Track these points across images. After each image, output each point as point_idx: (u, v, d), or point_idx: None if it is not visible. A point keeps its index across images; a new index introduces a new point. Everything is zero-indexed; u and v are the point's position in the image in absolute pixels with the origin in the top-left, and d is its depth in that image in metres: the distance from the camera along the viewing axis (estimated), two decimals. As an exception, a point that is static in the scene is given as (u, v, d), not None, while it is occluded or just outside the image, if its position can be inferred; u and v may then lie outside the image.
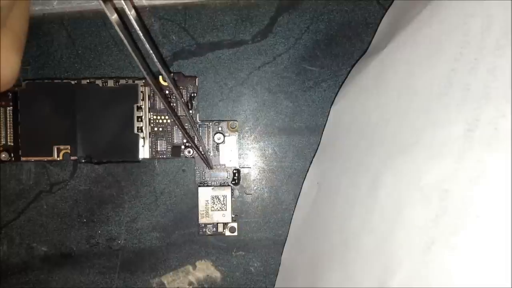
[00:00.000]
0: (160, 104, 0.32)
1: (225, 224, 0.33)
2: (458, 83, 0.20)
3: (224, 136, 0.33)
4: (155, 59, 0.18)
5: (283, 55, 0.33)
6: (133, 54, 0.17)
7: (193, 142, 0.30)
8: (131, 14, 0.16)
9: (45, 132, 0.32)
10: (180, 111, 0.32)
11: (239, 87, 0.34)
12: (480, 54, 0.20)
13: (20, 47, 0.23)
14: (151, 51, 0.18)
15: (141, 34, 0.17)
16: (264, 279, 0.34)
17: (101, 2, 0.15)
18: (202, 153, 0.31)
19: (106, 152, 0.32)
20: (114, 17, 0.16)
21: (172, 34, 0.33)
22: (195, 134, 0.30)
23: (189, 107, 0.33)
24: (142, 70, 0.19)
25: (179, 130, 0.32)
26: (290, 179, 0.34)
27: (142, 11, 0.33)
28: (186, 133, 0.28)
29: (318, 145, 0.32)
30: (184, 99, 0.32)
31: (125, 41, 0.17)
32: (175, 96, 0.32)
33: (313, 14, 0.33)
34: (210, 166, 0.33)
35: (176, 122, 0.26)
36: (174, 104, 0.32)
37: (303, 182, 0.33)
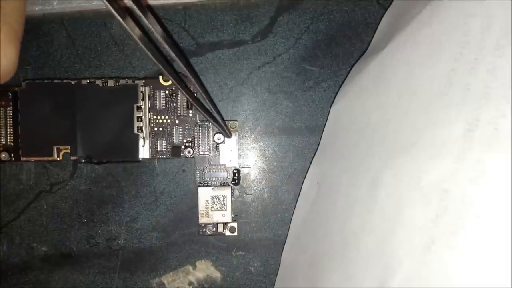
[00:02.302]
0: (160, 104, 0.32)
1: (225, 224, 0.33)
2: (458, 83, 0.20)
3: (224, 136, 0.33)
4: (181, 65, 0.18)
5: (283, 55, 0.33)
6: (160, 66, 0.17)
7: (212, 116, 0.29)
8: (156, 30, 0.16)
9: (45, 132, 0.32)
10: (181, 111, 0.32)
11: (239, 87, 0.34)
12: (480, 54, 0.20)
13: (17, 40, 0.23)
14: (182, 66, 0.18)
15: (171, 52, 0.17)
16: (264, 279, 0.34)
17: (120, 19, 0.15)
18: (220, 123, 0.30)
19: (106, 152, 0.32)
20: (136, 31, 0.16)
21: (172, 34, 0.33)
22: (215, 117, 0.29)
23: (189, 107, 0.33)
24: (172, 78, 0.19)
25: (179, 130, 0.32)
26: (290, 179, 0.34)
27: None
28: (205, 108, 0.27)
29: (318, 145, 0.32)
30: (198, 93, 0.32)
31: (152, 57, 0.16)
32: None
33: (313, 14, 0.33)
34: (228, 135, 0.32)
35: (194, 103, 0.25)
36: (174, 104, 0.32)
37: (303, 182, 0.33)
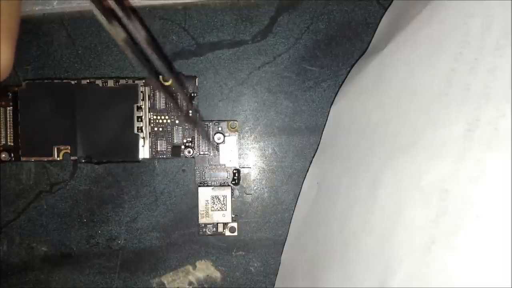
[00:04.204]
0: (160, 104, 0.32)
1: (225, 224, 0.33)
2: (458, 83, 0.20)
3: (224, 136, 0.33)
4: (164, 70, 0.18)
5: (283, 55, 0.33)
6: (140, 65, 0.17)
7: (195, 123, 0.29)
8: (141, 35, 0.16)
9: (45, 132, 0.32)
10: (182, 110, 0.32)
11: (239, 87, 0.34)
12: (480, 54, 0.20)
13: (11, 40, 0.23)
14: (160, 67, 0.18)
15: (156, 61, 0.17)
16: (264, 279, 0.34)
17: (105, 23, 0.14)
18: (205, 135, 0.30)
19: (106, 152, 0.32)
20: (122, 36, 0.16)
21: (172, 34, 0.33)
22: (200, 131, 0.29)
23: (189, 108, 0.33)
24: (155, 81, 0.18)
25: (179, 130, 0.32)
26: (290, 179, 0.34)
27: (142, 11, 0.33)
28: (189, 125, 0.27)
29: (318, 145, 0.32)
30: (186, 95, 0.32)
31: (135, 60, 0.16)
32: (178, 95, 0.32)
33: (313, 14, 0.33)
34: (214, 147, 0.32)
35: (177, 114, 0.25)
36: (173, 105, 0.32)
37: (303, 182, 0.33)
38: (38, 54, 0.33)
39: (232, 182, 0.34)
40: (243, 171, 0.34)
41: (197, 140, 0.33)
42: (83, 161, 0.32)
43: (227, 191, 0.33)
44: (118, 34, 0.15)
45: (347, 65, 0.33)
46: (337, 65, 0.33)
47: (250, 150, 0.34)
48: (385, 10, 0.30)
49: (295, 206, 0.33)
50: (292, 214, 0.33)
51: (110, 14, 0.15)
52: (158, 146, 0.32)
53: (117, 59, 0.34)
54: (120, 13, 0.15)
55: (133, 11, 0.33)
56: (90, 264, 0.34)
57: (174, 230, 0.34)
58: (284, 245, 0.33)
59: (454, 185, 0.19)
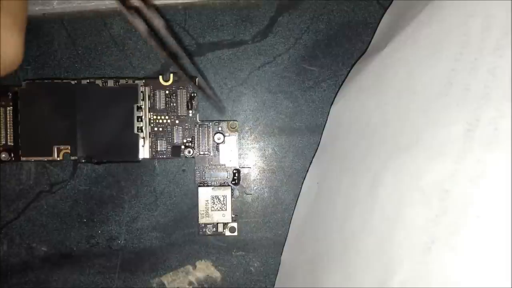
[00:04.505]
0: (160, 104, 0.32)
1: (225, 224, 0.33)
2: (458, 83, 0.20)
3: (224, 136, 0.33)
4: (184, 58, 0.18)
5: (283, 55, 0.33)
6: (164, 54, 0.17)
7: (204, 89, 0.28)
8: (160, 23, 0.16)
9: (45, 132, 0.32)
10: (181, 111, 0.32)
11: (239, 87, 0.34)
12: (480, 54, 0.20)
13: (21, 27, 0.23)
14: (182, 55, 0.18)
15: (175, 46, 0.17)
16: (264, 279, 0.34)
17: (128, 14, 0.15)
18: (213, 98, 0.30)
19: (106, 152, 0.32)
20: (142, 27, 0.16)
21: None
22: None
23: (189, 107, 0.33)
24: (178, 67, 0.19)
25: (179, 130, 0.32)
26: (290, 179, 0.34)
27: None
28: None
29: (318, 145, 0.32)
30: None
31: (159, 48, 0.17)
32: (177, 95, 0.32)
33: (313, 14, 0.33)
34: (221, 110, 0.32)
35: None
36: (174, 104, 0.32)
37: (303, 182, 0.33)
38: (38, 54, 0.33)
39: (232, 182, 0.34)
40: (243, 171, 0.34)
41: (197, 140, 0.33)
42: (83, 161, 0.32)
43: (227, 191, 0.33)
44: (140, 25, 0.15)
45: (347, 65, 0.33)
46: (337, 65, 0.33)
47: (250, 150, 0.34)
48: (385, 10, 0.30)
49: (295, 206, 0.33)
50: (292, 214, 0.33)
51: (132, 7, 0.15)
52: (158, 146, 0.32)
53: (117, 59, 0.34)
54: (140, 5, 0.15)
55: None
56: (90, 264, 0.34)
57: (174, 230, 0.34)
58: (284, 245, 0.33)
59: (454, 185, 0.19)
